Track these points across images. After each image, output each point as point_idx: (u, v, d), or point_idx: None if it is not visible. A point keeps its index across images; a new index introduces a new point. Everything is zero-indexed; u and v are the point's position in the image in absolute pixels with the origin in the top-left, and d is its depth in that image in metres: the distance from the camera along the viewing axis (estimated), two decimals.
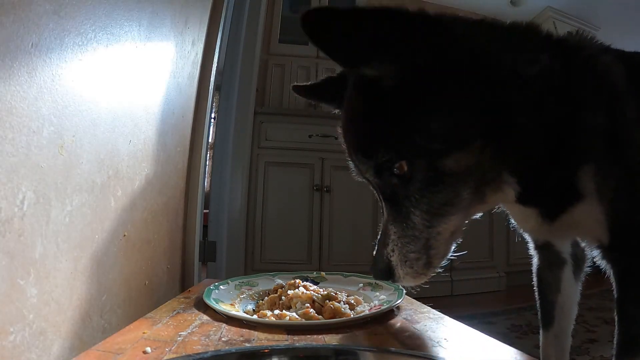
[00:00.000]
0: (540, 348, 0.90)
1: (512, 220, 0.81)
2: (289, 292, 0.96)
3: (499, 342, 0.79)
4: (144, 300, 1.10)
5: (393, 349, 0.72)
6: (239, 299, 1.02)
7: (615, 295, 0.70)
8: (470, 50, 0.59)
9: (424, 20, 0.58)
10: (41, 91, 0.69)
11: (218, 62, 1.74)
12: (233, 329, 0.82)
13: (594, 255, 0.75)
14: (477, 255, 2.89)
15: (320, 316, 0.87)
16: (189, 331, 0.79)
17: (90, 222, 0.86)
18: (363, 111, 0.62)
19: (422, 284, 0.67)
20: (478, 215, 0.70)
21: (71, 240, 0.79)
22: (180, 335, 0.76)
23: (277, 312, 0.90)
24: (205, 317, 0.88)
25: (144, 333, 0.77)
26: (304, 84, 0.82)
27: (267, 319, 0.85)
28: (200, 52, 1.57)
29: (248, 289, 1.08)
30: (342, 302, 0.92)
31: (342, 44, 0.55)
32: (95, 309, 0.88)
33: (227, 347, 0.71)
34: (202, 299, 0.96)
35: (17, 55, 0.63)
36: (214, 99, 1.83)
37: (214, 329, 0.81)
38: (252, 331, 0.80)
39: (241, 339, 0.76)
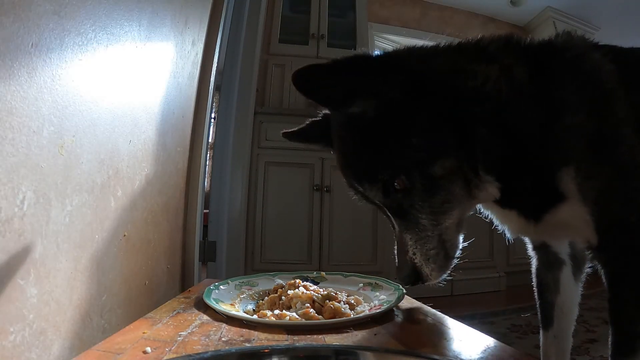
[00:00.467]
0: (541, 349, 0.90)
1: (497, 223, 0.81)
2: (289, 292, 0.96)
3: (499, 342, 0.79)
4: (144, 300, 1.10)
5: (393, 349, 0.72)
6: (239, 299, 1.01)
7: (608, 296, 0.70)
8: (424, 77, 0.69)
9: (383, 62, 0.72)
10: (41, 91, 0.69)
11: (218, 62, 1.74)
12: (233, 329, 0.82)
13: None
14: (477, 255, 2.89)
15: (320, 316, 0.87)
16: (189, 331, 0.79)
17: (90, 222, 0.86)
18: (356, 145, 0.72)
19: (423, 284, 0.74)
20: (472, 211, 0.80)
21: (71, 240, 0.79)
22: (180, 335, 0.76)
23: (277, 312, 0.90)
24: (205, 317, 0.88)
25: (144, 333, 0.77)
26: (292, 130, 0.92)
27: (267, 319, 0.85)
28: (200, 52, 1.57)
29: (248, 289, 1.08)
30: (342, 302, 0.92)
31: (329, 93, 0.69)
32: (95, 309, 0.88)
33: (227, 347, 0.71)
34: (202, 299, 0.96)
35: (17, 55, 0.63)
36: (214, 99, 1.83)
37: (214, 329, 0.81)
38: (252, 331, 0.80)
39: (241, 339, 0.76)
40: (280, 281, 1.07)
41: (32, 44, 0.65)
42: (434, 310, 0.96)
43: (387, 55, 0.76)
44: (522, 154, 0.69)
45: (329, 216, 2.68)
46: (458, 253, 0.76)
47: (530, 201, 0.72)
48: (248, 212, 2.59)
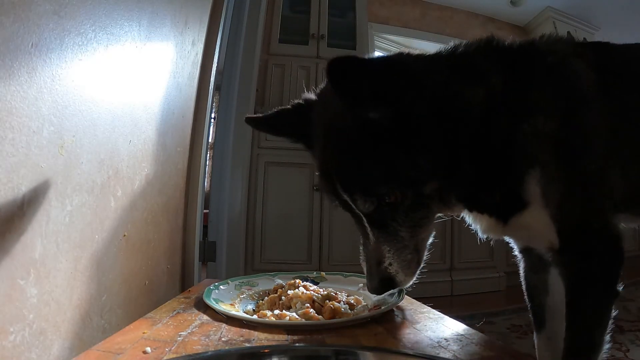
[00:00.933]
0: (536, 351, 0.90)
1: (469, 222, 0.82)
2: (289, 292, 0.96)
3: (498, 341, 0.79)
4: (144, 300, 1.10)
5: (393, 349, 0.72)
6: (239, 299, 1.01)
7: (566, 300, 0.70)
8: (426, 94, 0.68)
9: (416, 73, 0.69)
10: (41, 91, 0.69)
11: (218, 62, 1.74)
12: (233, 329, 0.82)
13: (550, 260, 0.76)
14: (477, 255, 2.89)
15: (320, 316, 0.87)
16: (189, 331, 0.79)
17: (90, 222, 0.86)
18: (359, 152, 0.69)
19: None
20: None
21: (71, 240, 0.79)
22: (180, 335, 0.76)
23: (277, 312, 0.90)
24: (205, 317, 0.88)
25: (144, 333, 0.77)
26: (258, 115, 0.87)
27: (267, 319, 0.85)
28: (200, 52, 1.57)
29: (248, 289, 1.08)
30: (342, 302, 0.92)
31: (359, 90, 0.64)
32: (95, 309, 0.88)
33: (227, 347, 0.71)
34: (202, 299, 0.96)
35: (17, 55, 0.63)
36: (214, 99, 1.83)
37: (214, 329, 0.81)
38: (252, 331, 0.80)
39: (241, 339, 0.76)
40: (280, 281, 1.07)
41: (32, 44, 0.65)
42: (434, 310, 0.96)
43: (419, 67, 0.72)
44: (494, 165, 0.71)
45: (329, 216, 2.68)
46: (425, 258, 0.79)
47: (499, 206, 0.74)
48: (248, 212, 2.59)
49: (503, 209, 0.73)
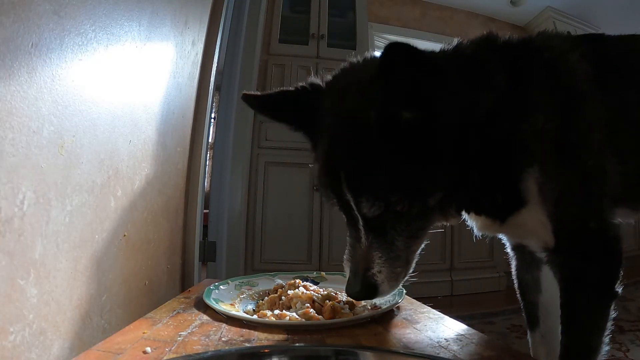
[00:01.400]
0: (530, 349, 0.89)
1: (466, 219, 0.81)
2: (289, 292, 0.96)
3: (499, 342, 0.79)
4: (144, 300, 1.10)
5: (393, 349, 0.72)
6: (239, 299, 1.01)
7: (561, 300, 0.70)
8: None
9: (461, 78, 0.66)
10: (41, 91, 0.69)
11: (218, 62, 1.74)
12: (233, 329, 0.81)
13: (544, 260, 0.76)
14: (477, 255, 2.89)
15: (320, 316, 0.87)
16: (189, 331, 0.79)
17: (90, 222, 0.85)
18: (378, 153, 0.65)
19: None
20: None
21: (71, 240, 0.79)
22: (180, 335, 0.76)
23: (277, 312, 0.90)
24: (205, 317, 0.88)
25: (144, 333, 0.77)
26: (255, 93, 0.79)
27: (267, 319, 0.85)
28: (200, 52, 1.57)
29: (248, 289, 1.08)
30: (342, 302, 0.92)
31: (406, 85, 0.60)
32: (95, 309, 0.88)
33: (227, 347, 0.71)
34: (202, 299, 0.96)
35: (17, 55, 0.62)
36: (214, 99, 1.83)
37: (214, 329, 0.81)
38: (252, 331, 0.80)
39: (241, 339, 0.76)
40: (280, 281, 1.07)
41: (32, 44, 0.65)
42: (434, 310, 0.96)
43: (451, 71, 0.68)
44: (496, 166, 0.70)
45: (329, 216, 2.68)
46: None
47: (497, 206, 0.73)
48: (248, 212, 2.59)
49: (502, 209, 0.73)
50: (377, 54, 0.74)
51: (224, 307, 0.91)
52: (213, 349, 0.70)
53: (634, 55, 0.78)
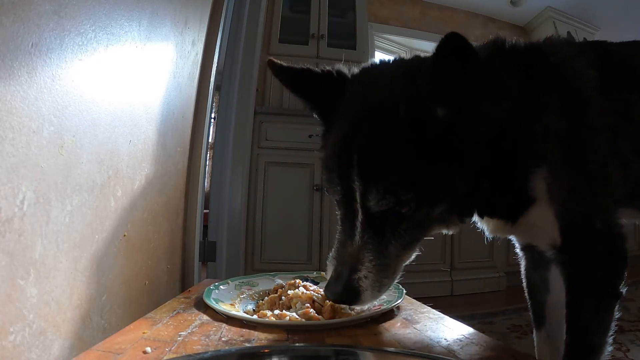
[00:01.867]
0: (535, 348, 0.90)
1: (476, 221, 0.82)
2: (289, 292, 0.96)
3: (499, 342, 0.79)
4: (144, 300, 1.10)
5: (393, 349, 0.72)
6: (239, 299, 1.01)
7: (566, 300, 0.70)
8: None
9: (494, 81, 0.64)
10: (41, 91, 0.69)
11: (218, 62, 1.74)
12: (233, 329, 0.81)
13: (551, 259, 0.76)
14: (477, 255, 2.89)
15: (320, 316, 0.87)
16: (189, 331, 0.79)
17: (90, 222, 0.85)
18: (402, 150, 0.63)
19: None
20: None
21: (71, 240, 0.79)
22: (180, 335, 0.76)
23: (277, 312, 0.90)
24: (205, 317, 0.88)
25: (144, 333, 0.77)
26: (282, 63, 0.77)
27: (267, 319, 0.85)
28: (200, 52, 1.57)
29: (248, 289, 1.08)
30: None
31: (452, 80, 0.59)
32: (95, 309, 0.88)
33: (227, 347, 0.71)
34: (202, 299, 0.96)
35: (17, 55, 0.62)
36: (214, 99, 1.83)
37: (214, 329, 0.81)
38: (252, 331, 0.80)
39: (241, 339, 0.76)
40: (280, 281, 1.07)
41: (32, 44, 0.65)
42: (434, 310, 0.96)
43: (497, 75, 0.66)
44: (508, 169, 0.70)
45: (329, 216, 2.68)
46: None
47: (508, 208, 0.74)
48: (248, 212, 2.59)
49: (513, 210, 0.73)
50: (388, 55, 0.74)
51: (224, 307, 0.91)
52: (213, 349, 0.70)
53: (635, 60, 0.80)
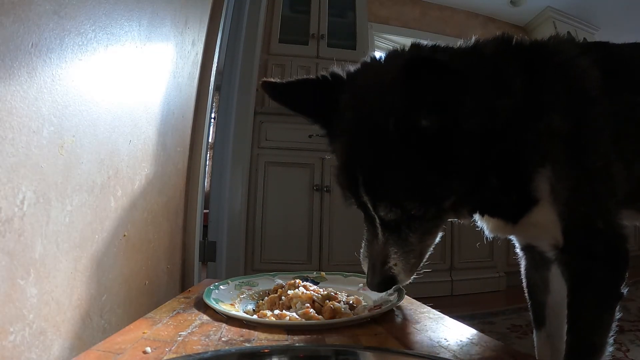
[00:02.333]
0: (535, 349, 0.90)
1: (477, 221, 0.82)
2: (289, 292, 0.96)
3: (499, 342, 0.79)
4: (144, 300, 1.10)
5: (393, 349, 0.72)
6: (239, 299, 1.01)
7: (567, 300, 0.70)
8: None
9: (476, 83, 0.65)
10: (41, 91, 0.69)
11: (218, 62, 1.74)
12: (233, 329, 0.81)
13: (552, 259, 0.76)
14: (477, 255, 2.89)
15: (320, 316, 0.87)
16: (189, 331, 0.79)
17: (90, 222, 0.85)
18: (397, 163, 0.66)
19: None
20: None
21: (71, 240, 0.79)
22: (180, 335, 0.76)
23: (277, 312, 0.90)
24: (205, 317, 0.88)
25: (144, 333, 0.77)
26: (275, 80, 0.77)
27: (267, 319, 0.85)
28: (200, 52, 1.57)
29: (248, 289, 1.08)
30: (342, 302, 0.92)
31: (427, 96, 0.61)
32: (95, 309, 0.88)
33: (227, 347, 0.71)
34: (202, 299, 0.96)
35: (17, 55, 0.62)
36: (214, 99, 1.83)
37: (214, 329, 0.81)
38: (252, 331, 0.80)
39: (241, 339, 0.76)
40: (280, 281, 1.07)
41: (32, 44, 0.65)
42: (434, 310, 0.96)
43: (471, 77, 0.66)
44: (511, 167, 0.71)
45: (329, 216, 2.68)
46: None
47: (510, 208, 0.74)
48: (248, 212, 2.59)
49: (515, 210, 0.73)
50: (392, 52, 0.75)
51: (224, 307, 0.91)
52: (213, 349, 0.70)
53: (638, 62, 0.80)
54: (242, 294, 1.04)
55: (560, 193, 0.69)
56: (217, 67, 1.72)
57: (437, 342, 0.76)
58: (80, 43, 0.79)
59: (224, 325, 0.84)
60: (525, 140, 0.70)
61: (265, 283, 1.11)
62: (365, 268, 0.78)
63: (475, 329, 0.84)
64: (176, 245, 1.42)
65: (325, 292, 0.96)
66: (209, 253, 2.22)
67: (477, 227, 0.85)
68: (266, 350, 0.66)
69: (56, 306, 0.74)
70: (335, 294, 0.97)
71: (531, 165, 0.70)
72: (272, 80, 0.77)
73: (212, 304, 0.92)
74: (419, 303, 1.02)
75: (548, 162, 0.69)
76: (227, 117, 2.54)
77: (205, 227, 2.09)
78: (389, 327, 0.85)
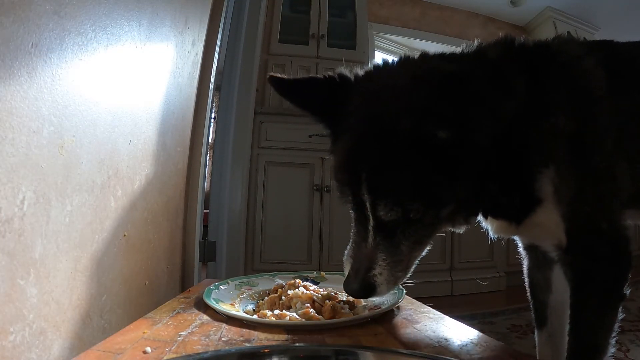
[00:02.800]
0: (537, 348, 0.90)
1: (482, 222, 0.82)
2: (289, 292, 0.96)
3: (498, 341, 0.79)
4: (144, 300, 1.10)
5: (393, 349, 0.72)
6: (239, 299, 1.01)
7: (570, 300, 0.70)
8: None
9: (488, 98, 0.65)
10: (41, 91, 0.69)
11: (218, 62, 1.74)
12: (233, 329, 0.81)
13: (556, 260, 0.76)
14: (477, 255, 2.89)
15: (320, 316, 0.87)
16: (189, 331, 0.79)
17: (90, 222, 0.85)
18: (406, 165, 0.66)
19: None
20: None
21: (71, 240, 0.79)
22: (180, 335, 0.76)
23: (277, 312, 0.90)
24: (205, 317, 0.88)
25: (144, 333, 0.77)
26: (283, 76, 0.78)
27: (267, 319, 0.85)
28: (200, 52, 1.57)
29: (248, 289, 1.08)
30: (342, 302, 0.92)
31: (451, 111, 0.62)
32: (95, 309, 0.88)
33: (227, 347, 0.71)
34: (202, 299, 0.96)
35: (17, 55, 0.62)
36: (214, 99, 1.83)
37: (214, 329, 0.81)
38: (252, 331, 0.80)
39: (241, 339, 0.76)
40: (280, 281, 1.07)
41: (32, 44, 0.65)
42: (434, 310, 0.96)
43: (483, 90, 0.68)
44: (514, 169, 0.71)
45: (329, 216, 2.68)
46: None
47: (513, 210, 0.74)
48: (248, 212, 2.59)
49: (518, 211, 0.73)
50: (407, 56, 0.76)
51: (224, 307, 0.91)
52: (213, 349, 0.70)
53: None
54: (242, 294, 1.05)
55: (563, 193, 0.69)
56: (217, 67, 1.72)
57: (437, 342, 0.76)
58: (80, 43, 0.79)
59: (224, 325, 0.84)
60: (529, 141, 0.69)
61: (265, 283, 1.11)
62: (346, 270, 0.75)
63: (475, 329, 0.84)
64: (176, 245, 1.42)
65: (325, 292, 0.96)
66: (209, 253, 2.22)
67: (477, 227, 0.85)
68: (266, 350, 0.66)
69: (56, 306, 0.74)
70: (335, 294, 0.97)
71: (535, 166, 0.70)
72: (279, 75, 0.78)
73: (212, 304, 0.92)
74: (419, 303, 1.02)
75: (552, 163, 0.69)
76: (227, 117, 2.53)
77: (205, 227, 2.09)
78: (389, 327, 0.85)
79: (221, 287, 1.04)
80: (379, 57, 3.87)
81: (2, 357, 0.61)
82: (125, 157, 1.01)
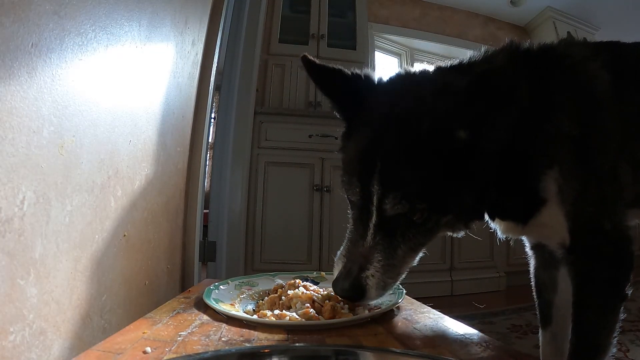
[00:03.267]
0: (540, 347, 0.90)
1: (490, 222, 0.82)
2: (289, 292, 0.96)
3: (499, 342, 0.79)
4: (144, 300, 1.10)
5: (393, 349, 0.72)
6: (239, 299, 1.01)
7: (573, 300, 0.70)
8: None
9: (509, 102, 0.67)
10: (41, 91, 0.69)
11: (218, 62, 1.74)
12: (233, 329, 0.82)
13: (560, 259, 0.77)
14: (477, 255, 2.89)
15: (320, 316, 0.87)
16: (189, 331, 0.79)
17: (90, 222, 0.86)
18: (423, 162, 0.67)
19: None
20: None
21: (71, 240, 0.79)
22: (180, 335, 0.76)
23: (277, 312, 0.90)
24: (205, 317, 0.88)
25: (144, 333, 0.77)
26: (315, 60, 0.80)
27: (267, 319, 0.85)
28: (200, 52, 1.57)
29: (248, 289, 1.08)
30: (342, 302, 0.92)
31: (481, 111, 0.65)
32: (95, 309, 0.88)
33: (227, 347, 0.71)
34: (202, 299, 0.96)
35: (17, 55, 0.62)
36: (214, 99, 1.83)
37: (214, 329, 0.81)
38: (252, 331, 0.80)
39: (241, 339, 0.76)
40: (280, 281, 1.07)
41: (32, 44, 0.65)
42: (434, 310, 0.96)
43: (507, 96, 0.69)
44: (518, 171, 0.72)
45: (329, 216, 2.68)
46: None
47: (518, 210, 0.75)
48: (248, 212, 2.59)
49: (524, 211, 0.74)
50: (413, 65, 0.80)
51: (224, 307, 0.91)
52: (213, 349, 0.70)
53: None
54: (242, 294, 1.05)
55: (567, 193, 0.69)
56: (217, 67, 1.72)
57: (437, 342, 0.76)
58: (80, 43, 0.79)
59: (224, 325, 0.84)
60: (533, 142, 0.70)
61: (265, 283, 1.11)
62: (337, 269, 0.75)
63: (475, 329, 0.84)
64: (176, 245, 1.42)
65: (325, 292, 0.96)
66: (209, 253, 2.22)
67: (478, 227, 0.85)
68: (266, 350, 0.66)
69: (56, 306, 0.74)
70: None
71: (539, 167, 0.70)
72: (311, 58, 0.79)
73: (212, 304, 0.92)
74: (419, 303, 1.02)
75: (556, 164, 0.70)
76: (227, 117, 2.54)
77: (205, 227, 2.09)
78: (389, 327, 0.85)
79: (221, 287, 1.04)
80: (379, 57, 3.88)
81: (2, 357, 0.61)
82: (125, 157, 1.01)
